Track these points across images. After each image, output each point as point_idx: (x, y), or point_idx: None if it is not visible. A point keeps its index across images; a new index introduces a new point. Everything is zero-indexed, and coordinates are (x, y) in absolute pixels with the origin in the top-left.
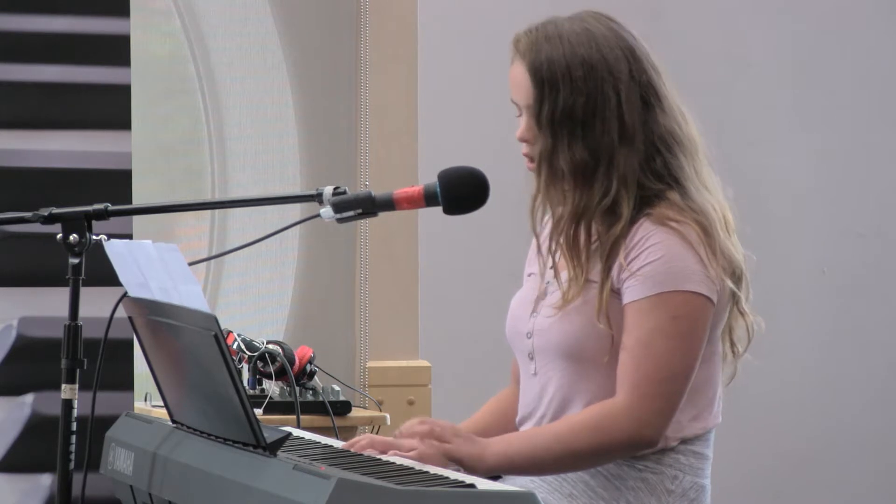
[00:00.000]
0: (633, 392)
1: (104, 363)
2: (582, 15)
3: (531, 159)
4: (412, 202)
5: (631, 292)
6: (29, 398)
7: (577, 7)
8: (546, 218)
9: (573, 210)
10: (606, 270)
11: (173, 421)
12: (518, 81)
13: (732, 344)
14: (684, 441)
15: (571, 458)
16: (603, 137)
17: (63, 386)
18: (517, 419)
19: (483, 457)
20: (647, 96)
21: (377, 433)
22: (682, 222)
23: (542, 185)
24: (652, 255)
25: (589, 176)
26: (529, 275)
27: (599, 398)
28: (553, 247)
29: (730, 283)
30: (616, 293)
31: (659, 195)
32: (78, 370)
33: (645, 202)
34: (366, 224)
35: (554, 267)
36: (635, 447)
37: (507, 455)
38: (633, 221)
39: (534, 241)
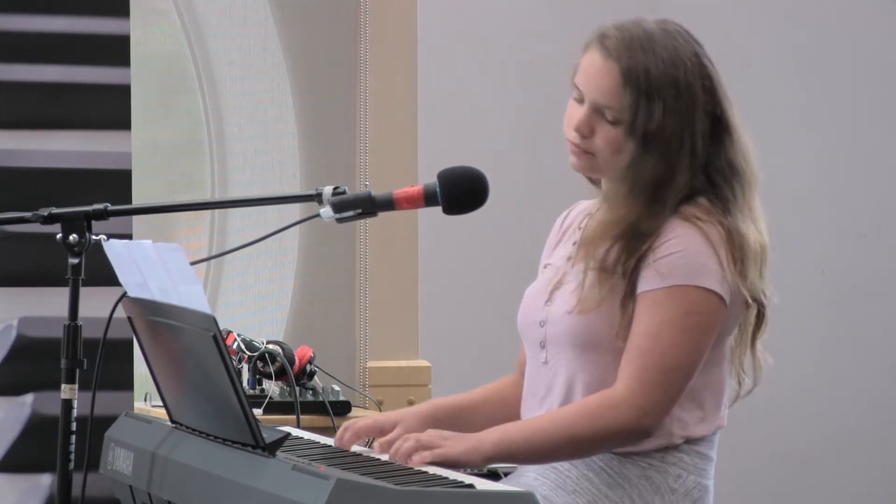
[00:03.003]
0: (635, 381)
1: (104, 363)
2: (669, 28)
3: (581, 151)
4: (412, 202)
5: (646, 282)
6: (29, 398)
7: (576, 8)
8: (575, 209)
9: (625, 221)
10: (630, 285)
11: (172, 421)
12: (601, 77)
13: (740, 375)
14: (689, 441)
15: (568, 445)
16: (679, 160)
17: (63, 386)
18: (523, 407)
19: (479, 448)
20: (718, 128)
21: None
22: (706, 221)
23: (627, 192)
24: (672, 247)
25: (656, 193)
26: (546, 266)
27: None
28: (587, 247)
29: (746, 294)
30: (634, 296)
31: (686, 199)
32: (78, 370)
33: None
34: (366, 224)
35: (572, 258)
36: (632, 436)
37: (504, 442)
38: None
39: (554, 230)
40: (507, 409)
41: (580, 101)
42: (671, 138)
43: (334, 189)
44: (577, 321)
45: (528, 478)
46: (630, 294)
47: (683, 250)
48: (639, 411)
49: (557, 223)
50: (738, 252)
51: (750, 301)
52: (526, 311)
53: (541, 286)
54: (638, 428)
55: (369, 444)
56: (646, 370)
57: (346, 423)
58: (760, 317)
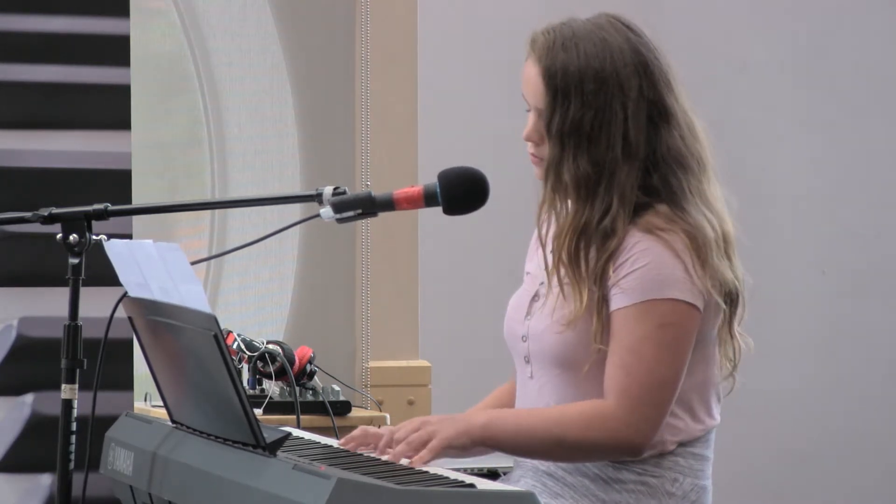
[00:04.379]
0: (623, 398)
1: (104, 363)
2: (601, 21)
3: (538, 159)
4: (412, 202)
5: (617, 300)
6: (29, 398)
7: (576, 9)
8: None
9: (574, 224)
10: (602, 288)
11: (173, 421)
12: (531, 81)
13: (728, 359)
14: (683, 444)
15: (555, 447)
16: (607, 153)
17: (63, 386)
18: None
19: (469, 431)
20: (655, 114)
21: None
22: (668, 230)
23: (549, 193)
24: (638, 262)
25: (590, 190)
26: (527, 273)
27: None
28: (555, 259)
29: (717, 297)
30: (606, 302)
31: (647, 206)
32: (78, 370)
33: (633, 212)
34: (366, 224)
35: (547, 270)
36: (622, 452)
37: (490, 428)
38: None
39: (533, 238)
40: None
41: (528, 110)
42: (592, 133)
43: (334, 189)
44: (556, 339)
45: (524, 482)
46: (602, 299)
47: (648, 264)
48: (630, 429)
49: (535, 230)
50: (703, 252)
51: (722, 302)
52: (509, 324)
53: (521, 297)
54: (629, 445)
55: None
56: (632, 387)
57: (360, 429)
58: (736, 301)
